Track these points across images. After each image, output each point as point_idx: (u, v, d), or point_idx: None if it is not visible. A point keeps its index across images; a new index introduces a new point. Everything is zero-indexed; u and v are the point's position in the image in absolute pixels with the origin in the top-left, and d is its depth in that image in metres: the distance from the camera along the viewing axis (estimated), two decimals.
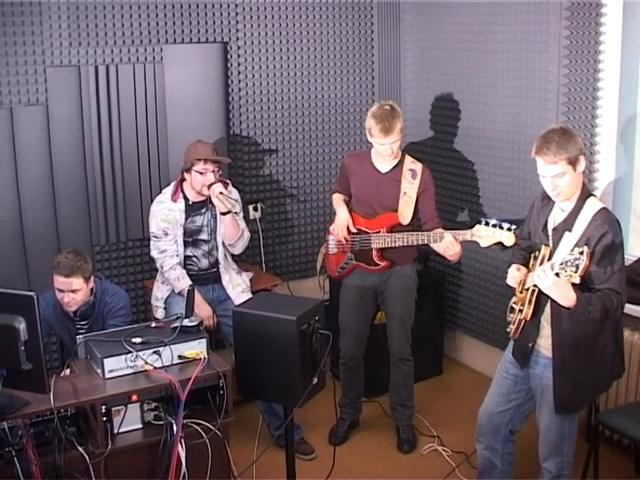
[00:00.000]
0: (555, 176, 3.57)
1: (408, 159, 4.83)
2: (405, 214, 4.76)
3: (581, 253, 3.29)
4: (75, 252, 4.40)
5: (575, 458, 3.96)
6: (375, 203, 4.81)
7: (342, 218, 4.85)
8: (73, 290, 4.31)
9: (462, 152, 5.76)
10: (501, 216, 4.41)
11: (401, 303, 4.94)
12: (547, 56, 4.91)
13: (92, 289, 4.45)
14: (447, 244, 4.52)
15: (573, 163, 3.53)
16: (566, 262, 3.32)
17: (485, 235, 4.41)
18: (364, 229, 4.82)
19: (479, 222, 4.44)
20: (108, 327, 4.33)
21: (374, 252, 4.81)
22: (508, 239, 4.31)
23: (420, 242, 4.65)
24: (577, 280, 3.33)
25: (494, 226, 4.36)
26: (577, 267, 3.28)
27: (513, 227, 4.29)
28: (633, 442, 4.51)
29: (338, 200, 4.97)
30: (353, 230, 4.82)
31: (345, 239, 4.83)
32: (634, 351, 4.65)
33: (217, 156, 4.85)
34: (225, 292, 4.99)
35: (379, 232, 4.77)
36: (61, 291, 4.33)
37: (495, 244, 4.42)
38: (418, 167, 4.80)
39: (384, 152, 4.67)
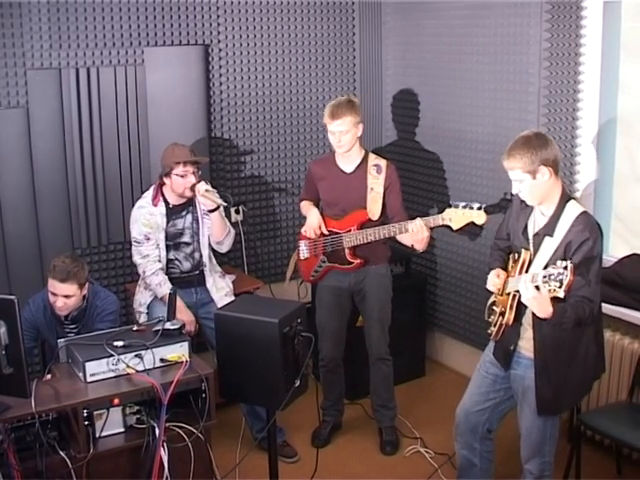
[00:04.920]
0: (515, 181, 3.66)
1: (372, 156, 4.87)
2: (374, 210, 4.78)
3: (565, 268, 3.28)
4: (72, 257, 4.38)
5: (557, 459, 3.99)
6: (345, 204, 4.83)
7: (313, 219, 4.86)
8: (66, 295, 4.29)
9: (442, 153, 5.78)
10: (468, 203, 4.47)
11: (378, 303, 4.95)
12: (528, 58, 4.93)
13: (85, 295, 4.42)
14: (414, 228, 4.55)
15: (531, 172, 3.57)
16: (549, 276, 3.32)
17: (455, 217, 4.46)
18: (335, 230, 4.84)
19: (448, 206, 4.49)
20: (95, 330, 4.29)
21: (347, 251, 4.82)
22: (479, 217, 4.38)
23: (392, 234, 4.68)
24: (561, 295, 3.32)
25: (464, 207, 4.39)
26: (561, 282, 3.29)
27: (483, 205, 4.33)
28: (615, 442, 4.54)
29: (307, 205, 4.99)
30: (325, 232, 4.84)
31: (316, 240, 4.85)
32: (615, 352, 4.68)
33: (195, 157, 4.84)
34: (208, 294, 4.98)
35: (349, 231, 4.79)
36: (54, 295, 4.30)
37: (467, 225, 4.46)
38: (382, 163, 4.84)
39: (333, 142, 4.72)
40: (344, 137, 4.68)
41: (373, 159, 4.85)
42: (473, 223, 4.46)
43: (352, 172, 4.83)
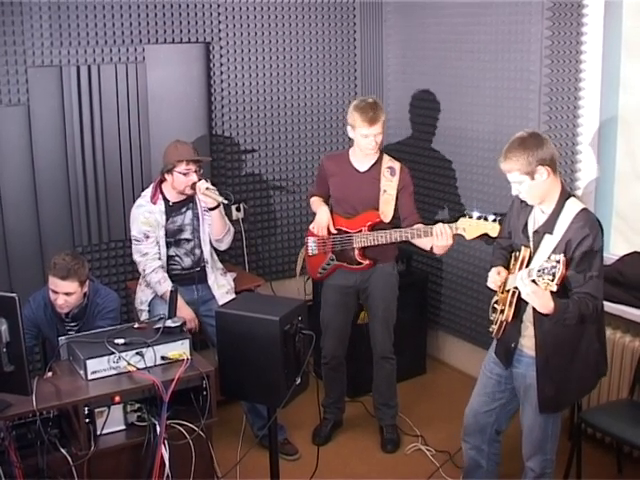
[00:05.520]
0: (514, 182, 3.66)
1: (386, 157, 4.85)
2: (386, 212, 4.77)
3: (557, 262, 3.30)
4: (73, 255, 4.37)
5: (558, 456, 3.99)
6: (355, 202, 4.81)
7: (323, 217, 4.84)
8: (67, 293, 4.29)
9: (444, 151, 5.78)
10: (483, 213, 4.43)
11: (384, 301, 4.94)
12: (529, 56, 4.93)
13: (85, 293, 4.43)
14: (438, 233, 4.45)
15: (529, 173, 3.56)
16: (543, 270, 3.34)
17: (469, 227, 4.38)
18: (345, 229, 4.82)
19: (463, 215, 4.44)
20: (95, 328, 4.29)
21: (356, 251, 4.81)
22: (493, 230, 4.29)
23: (403, 238, 4.65)
24: (554, 288, 3.35)
25: (478, 218, 4.36)
26: (554, 275, 3.30)
27: (498, 218, 4.30)
28: (615, 440, 4.53)
29: (318, 202, 4.97)
30: (333, 231, 4.83)
31: (325, 238, 4.84)
32: (616, 349, 4.67)
33: (197, 155, 4.85)
34: (210, 292, 4.98)
35: (360, 231, 4.77)
36: (55, 292, 4.30)
37: (480, 236, 4.43)
38: (396, 165, 4.82)
39: (368, 145, 4.66)
40: (379, 138, 4.67)
41: (387, 161, 4.82)
42: (487, 235, 4.41)
43: (365, 171, 4.81)
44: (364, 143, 4.67)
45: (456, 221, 4.45)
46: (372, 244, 4.74)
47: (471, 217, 4.37)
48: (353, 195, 4.81)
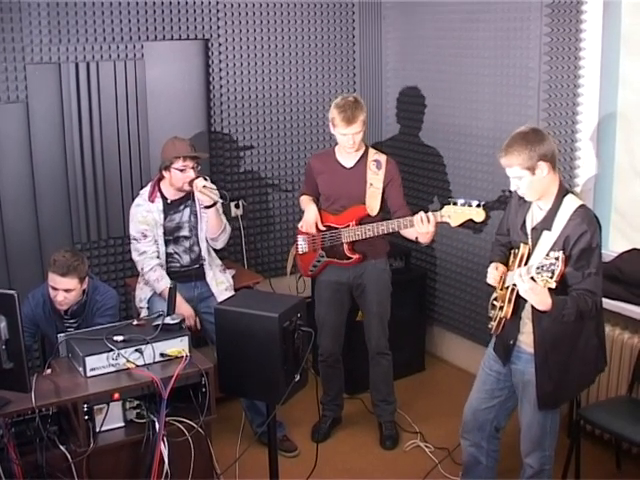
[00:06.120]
0: (514, 177, 3.66)
1: (372, 151, 4.87)
2: (372, 205, 4.79)
3: (557, 258, 3.31)
4: (72, 252, 4.39)
5: (557, 453, 3.98)
6: (344, 198, 4.83)
7: (311, 215, 4.87)
8: (67, 289, 4.29)
9: (442, 148, 5.78)
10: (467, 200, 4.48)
11: (377, 297, 4.95)
12: (528, 53, 4.93)
13: (85, 290, 4.43)
14: (418, 221, 4.51)
15: (530, 168, 3.56)
16: (542, 267, 3.35)
17: (454, 214, 4.46)
18: (333, 225, 4.84)
19: (447, 203, 4.49)
20: (95, 325, 4.30)
21: (345, 246, 4.82)
22: (478, 215, 4.38)
23: (390, 230, 4.68)
24: (553, 285, 3.35)
25: (462, 205, 4.41)
26: (552, 272, 3.31)
27: (482, 202, 4.33)
28: (614, 437, 4.53)
29: (306, 200, 5.00)
30: (322, 228, 4.85)
31: (314, 235, 4.86)
32: (615, 346, 4.67)
33: (195, 152, 4.85)
34: (209, 289, 4.99)
35: (348, 226, 4.78)
36: (55, 289, 4.31)
37: (465, 222, 4.46)
38: (382, 158, 4.84)
39: (346, 143, 4.70)
40: (357, 137, 4.69)
41: (373, 154, 4.85)
42: (472, 220, 4.46)
43: (352, 167, 4.83)
44: (342, 140, 4.73)
45: (441, 209, 4.49)
46: (360, 238, 4.76)
47: (455, 204, 4.45)
48: (341, 191, 4.83)
